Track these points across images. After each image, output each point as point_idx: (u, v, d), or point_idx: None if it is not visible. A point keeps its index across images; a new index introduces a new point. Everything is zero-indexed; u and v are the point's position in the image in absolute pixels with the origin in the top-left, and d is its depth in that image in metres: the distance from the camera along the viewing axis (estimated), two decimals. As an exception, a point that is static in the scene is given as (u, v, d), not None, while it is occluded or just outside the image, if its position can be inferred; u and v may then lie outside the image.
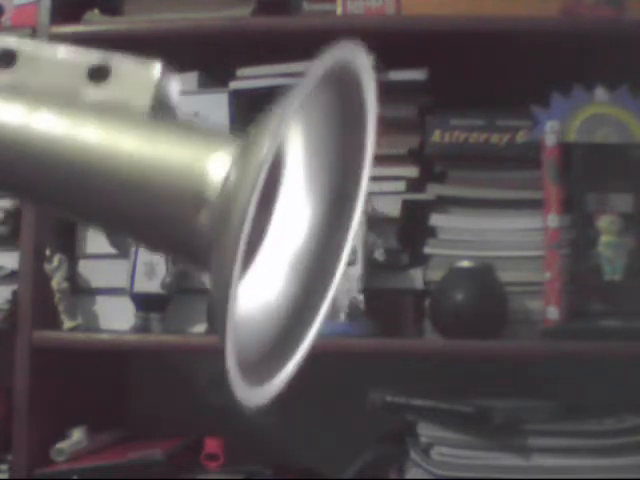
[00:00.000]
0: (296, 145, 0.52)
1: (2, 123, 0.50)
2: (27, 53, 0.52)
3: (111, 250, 1.36)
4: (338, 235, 0.55)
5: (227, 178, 0.45)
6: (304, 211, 0.54)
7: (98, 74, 0.51)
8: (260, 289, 0.51)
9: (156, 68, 0.50)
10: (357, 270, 1.31)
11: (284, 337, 0.51)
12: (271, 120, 0.44)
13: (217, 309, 0.43)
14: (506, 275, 1.33)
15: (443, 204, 1.39)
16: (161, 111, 0.50)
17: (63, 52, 0.52)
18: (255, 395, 0.48)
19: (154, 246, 0.58)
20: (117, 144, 0.48)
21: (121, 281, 1.39)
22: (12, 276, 1.40)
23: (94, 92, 0.51)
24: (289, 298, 0.53)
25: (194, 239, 0.46)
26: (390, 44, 1.33)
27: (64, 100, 0.51)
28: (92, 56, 0.51)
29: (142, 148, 0.48)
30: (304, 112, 0.48)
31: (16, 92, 0.51)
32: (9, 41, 0.53)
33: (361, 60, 0.50)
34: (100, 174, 0.48)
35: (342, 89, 0.51)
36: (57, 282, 1.37)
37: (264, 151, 0.43)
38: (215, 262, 0.43)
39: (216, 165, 0.46)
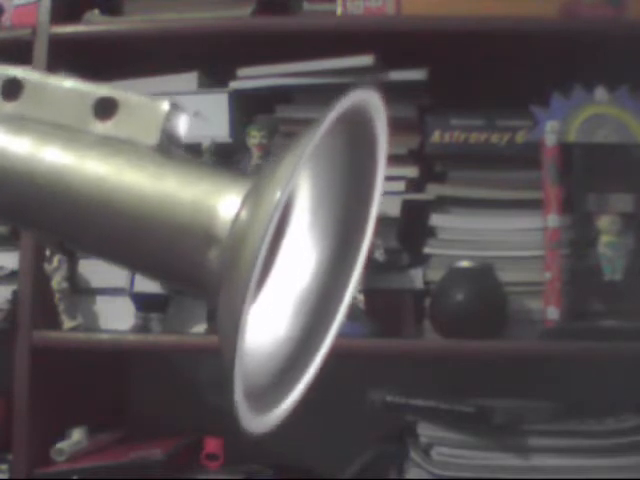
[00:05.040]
0: (305, 186, 0.52)
1: (9, 155, 0.50)
2: (33, 84, 0.51)
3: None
4: (343, 274, 0.55)
5: (237, 218, 0.45)
6: (310, 250, 0.54)
7: (105, 109, 0.50)
8: (266, 322, 0.51)
9: (164, 105, 0.49)
10: (357, 270, 1.31)
11: (289, 367, 0.52)
12: (285, 164, 0.44)
13: (225, 345, 0.43)
14: (506, 275, 1.33)
15: (443, 204, 1.39)
16: (169, 148, 0.49)
17: (69, 85, 0.51)
18: (261, 424, 0.48)
19: (161, 279, 0.57)
20: (125, 178, 0.48)
21: (121, 281, 1.39)
22: (12, 276, 1.40)
23: (101, 127, 0.50)
24: (294, 332, 0.53)
25: (202, 274, 0.46)
26: (390, 44, 1.33)
27: (71, 134, 0.50)
28: (98, 90, 0.51)
29: (150, 183, 0.47)
30: (315, 153, 0.48)
31: (23, 124, 0.50)
32: (15, 72, 0.52)
33: (375, 104, 0.50)
34: (108, 208, 0.48)
35: (354, 132, 0.51)
36: (57, 282, 1.37)
37: (277, 196, 0.42)
38: (224, 300, 0.43)
39: (225, 204, 0.46)
